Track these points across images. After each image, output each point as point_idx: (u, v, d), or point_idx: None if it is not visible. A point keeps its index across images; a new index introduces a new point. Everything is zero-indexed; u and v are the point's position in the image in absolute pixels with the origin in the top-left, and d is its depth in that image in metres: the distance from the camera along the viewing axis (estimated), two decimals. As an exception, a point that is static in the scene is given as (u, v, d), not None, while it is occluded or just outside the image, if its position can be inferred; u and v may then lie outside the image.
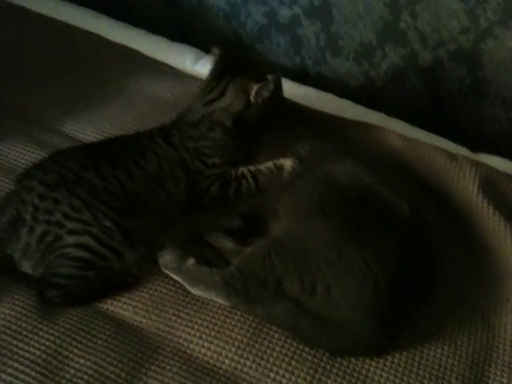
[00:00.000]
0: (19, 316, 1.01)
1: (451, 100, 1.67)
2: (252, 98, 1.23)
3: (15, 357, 0.95)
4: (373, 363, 1.00)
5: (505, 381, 1.00)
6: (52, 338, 0.98)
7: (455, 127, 1.69)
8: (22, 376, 0.92)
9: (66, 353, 0.97)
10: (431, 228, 1.14)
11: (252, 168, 1.22)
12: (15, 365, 0.94)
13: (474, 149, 1.55)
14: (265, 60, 1.83)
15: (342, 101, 1.66)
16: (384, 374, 0.98)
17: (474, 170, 1.28)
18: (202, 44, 1.81)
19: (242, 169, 1.22)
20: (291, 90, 1.54)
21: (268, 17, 1.77)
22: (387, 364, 1.00)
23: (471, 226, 1.21)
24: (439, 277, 1.11)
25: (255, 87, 1.21)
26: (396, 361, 1.00)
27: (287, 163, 1.23)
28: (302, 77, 1.79)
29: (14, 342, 0.97)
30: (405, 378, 0.98)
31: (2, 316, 1.00)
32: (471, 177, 1.26)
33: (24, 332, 0.99)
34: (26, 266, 1.05)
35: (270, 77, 1.23)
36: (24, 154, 1.29)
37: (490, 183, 1.26)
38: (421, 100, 1.71)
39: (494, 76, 1.58)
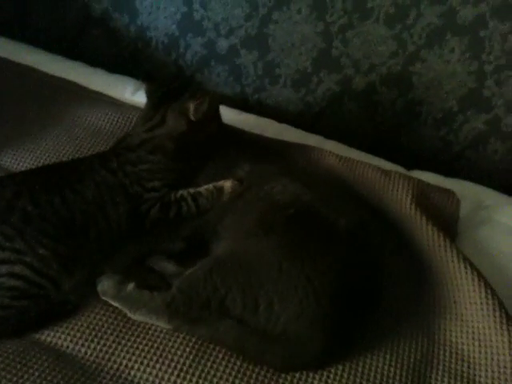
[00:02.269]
0: (-51, 351, 0.96)
1: (386, 121, 1.74)
2: (192, 117, 1.25)
3: None
4: (316, 376, 0.99)
5: (446, 385, 1.02)
6: (-16, 373, 0.94)
7: (391, 147, 1.75)
8: (-50, 414, 0.88)
9: (0, 387, 0.93)
10: (371, 242, 1.17)
11: (192, 190, 1.23)
12: None
13: (409, 167, 1.61)
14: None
15: (282, 125, 1.70)
16: (328, 386, 0.98)
17: (406, 184, 1.32)
18: (143, 76, 1.83)
19: (182, 191, 1.22)
20: (231, 116, 1.58)
21: (206, 47, 1.81)
22: (331, 376, 1.00)
23: (407, 238, 1.24)
24: (383, 288, 1.13)
25: (193, 104, 1.24)
26: (339, 372, 1.01)
27: (227, 184, 1.24)
28: (242, 105, 1.83)
29: None
30: (349, 389, 0.98)
31: None
32: (404, 191, 1.30)
33: (-46, 368, 0.94)
34: (-44, 299, 1.00)
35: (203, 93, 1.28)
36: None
37: (422, 196, 1.30)
38: (357, 123, 1.77)
39: (423, 97, 1.66)
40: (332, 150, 1.52)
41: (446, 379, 1.02)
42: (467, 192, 1.47)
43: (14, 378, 0.94)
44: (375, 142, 1.76)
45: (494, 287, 1.12)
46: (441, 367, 1.04)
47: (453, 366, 1.05)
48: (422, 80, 1.62)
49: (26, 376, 0.95)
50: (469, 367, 1.04)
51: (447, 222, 1.29)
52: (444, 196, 1.35)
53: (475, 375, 1.03)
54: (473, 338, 1.07)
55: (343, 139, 1.69)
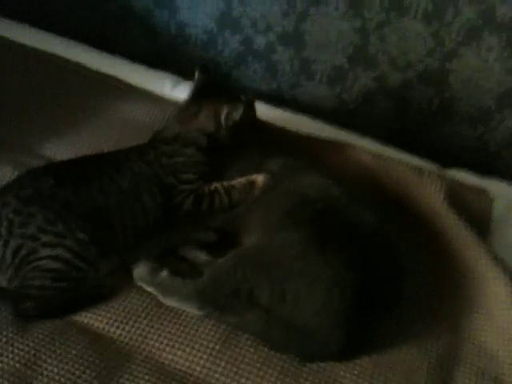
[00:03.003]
0: (-6, 328, 1.03)
1: (421, 119, 1.74)
2: (222, 121, 1.29)
3: (-12, 367, 0.97)
4: (342, 367, 1.02)
5: (473, 381, 1.02)
6: (26, 349, 1.00)
7: (426, 146, 1.75)
8: (-6, 385, 0.94)
9: (40, 362, 0.98)
10: (398, 238, 1.18)
11: (225, 183, 1.26)
12: (-13, 375, 0.95)
13: (445, 165, 1.60)
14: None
15: (316, 122, 1.71)
16: (353, 377, 1.01)
17: (438, 182, 1.33)
18: (181, 72, 1.88)
19: (216, 184, 1.25)
20: (267, 112, 1.60)
21: (244, 44, 1.84)
22: (356, 368, 1.02)
23: (436, 236, 1.25)
24: (412, 285, 1.15)
25: (224, 112, 1.28)
26: (364, 364, 1.03)
27: (259, 179, 1.27)
28: (278, 101, 1.84)
29: (-12, 352, 0.99)
30: (374, 380, 1.00)
31: (-23, 328, 1.02)
32: (436, 189, 1.31)
33: (-1, 343, 1.01)
34: (1, 279, 1.06)
35: (240, 101, 1.31)
36: (2, 176, 1.31)
37: (454, 194, 1.31)
38: (393, 120, 1.77)
39: (460, 95, 1.64)
40: (367, 147, 1.53)
41: (471, 375, 1.03)
42: (502, 192, 1.46)
43: (53, 355, 1.00)
44: (410, 140, 1.75)
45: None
46: (467, 361, 1.06)
47: (478, 362, 1.05)
48: (459, 78, 1.61)
49: (64, 354, 1.01)
50: (495, 365, 1.05)
51: (479, 220, 1.29)
52: (477, 195, 1.35)
53: (500, 373, 1.03)
54: (501, 338, 1.07)
55: (378, 136, 1.69)
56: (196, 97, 1.37)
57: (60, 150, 1.45)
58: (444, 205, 1.26)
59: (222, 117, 1.29)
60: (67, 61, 1.74)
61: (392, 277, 1.09)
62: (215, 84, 1.42)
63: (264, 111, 1.50)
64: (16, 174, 1.27)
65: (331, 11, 1.66)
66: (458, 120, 1.69)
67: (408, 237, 1.23)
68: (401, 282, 1.11)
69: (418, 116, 1.74)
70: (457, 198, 1.30)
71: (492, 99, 1.61)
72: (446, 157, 1.71)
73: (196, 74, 1.38)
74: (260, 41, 1.81)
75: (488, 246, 1.19)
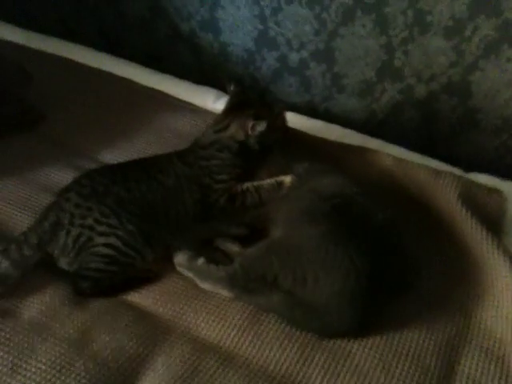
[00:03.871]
0: (57, 303, 1.21)
1: (446, 128, 1.84)
2: (249, 132, 1.44)
3: (52, 333, 1.15)
4: (355, 343, 1.15)
5: (475, 360, 1.12)
6: (83, 321, 1.18)
7: (451, 153, 1.84)
8: (57, 348, 1.12)
9: (94, 331, 1.16)
10: (414, 232, 1.30)
11: (256, 184, 1.41)
12: (52, 339, 1.14)
13: (468, 170, 1.70)
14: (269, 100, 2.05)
15: (346, 130, 1.85)
16: (365, 351, 1.13)
17: (454, 182, 1.44)
18: (224, 87, 2.06)
19: (247, 184, 1.40)
20: (300, 122, 1.76)
21: (280, 61, 2.00)
22: (369, 343, 1.15)
23: (450, 230, 1.36)
24: (425, 274, 1.27)
25: (250, 124, 1.42)
26: (377, 341, 1.15)
27: (287, 180, 1.41)
28: (312, 112, 1.99)
29: (52, 322, 1.17)
30: (384, 356, 1.12)
31: (44, 302, 1.21)
32: (452, 188, 1.42)
33: (60, 315, 1.19)
34: (63, 263, 1.25)
35: (266, 114, 1.45)
36: (65, 177, 1.50)
37: (468, 193, 1.41)
38: (418, 129, 1.88)
39: (483, 105, 1.74)
40: (393, 153, 1.65)
41: (476, 353, 1.14)
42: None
43: (105, 326, 1.18)
44: (435, 148, 1.85)
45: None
46: (473, 343, 1.16)
47: (482, 343, 1.15)
48: (481, 88, 1.71)
49: (114, 325, 1.18)
50: (499, 347, 1.15)
51: (491, 217, 1.39)
52: (490, 194, 1.45)
53: (503, 353, 1.13)
54: (506, 321, 1.17)
55: (405, 144, 1.81)
56: (229, 109, 1.53)
57: (114, 155, 1.64)
58: (458, 202, 1.37)
59: (249, 128, 1.43)
60: (123, 78, 1.95)
61: (402, 266, 1.21)
62: (247, 97, 1.58)
63: (298, 121, 1.64)
64: (76, 175, 1.44)
65: (359, 30, 1.79)
66: (481, 128, 1.78)
67: (423, 231, 1.35)
68: (411, 270, 1.23)
69: (443, 125, 1.84)
70: (471, 196, 1.41)
71: (512, 108, 1.70)
72: (470, 163, 1.80)
73: (230, 88, 1.54)
74: (294, 58, 1.96)
75: (498, 240, 1.29)
